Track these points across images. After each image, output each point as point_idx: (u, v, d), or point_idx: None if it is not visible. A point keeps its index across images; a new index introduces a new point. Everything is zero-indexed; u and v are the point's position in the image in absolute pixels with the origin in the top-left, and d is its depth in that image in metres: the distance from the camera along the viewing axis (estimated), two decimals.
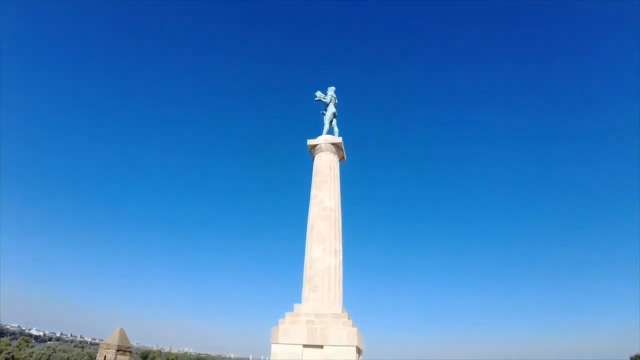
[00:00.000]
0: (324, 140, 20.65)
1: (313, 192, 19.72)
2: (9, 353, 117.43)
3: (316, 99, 21.82)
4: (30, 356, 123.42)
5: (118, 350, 27.18)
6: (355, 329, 15.96)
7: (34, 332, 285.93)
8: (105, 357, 26.97)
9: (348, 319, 16.60)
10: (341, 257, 18.57)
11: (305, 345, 15.90)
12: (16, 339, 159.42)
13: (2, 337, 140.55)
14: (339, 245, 18.63)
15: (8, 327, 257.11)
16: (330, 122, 21.43)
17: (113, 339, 27.54)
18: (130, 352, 28.28)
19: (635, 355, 46.57)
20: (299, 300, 17.94)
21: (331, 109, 21.52)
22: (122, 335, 28.22)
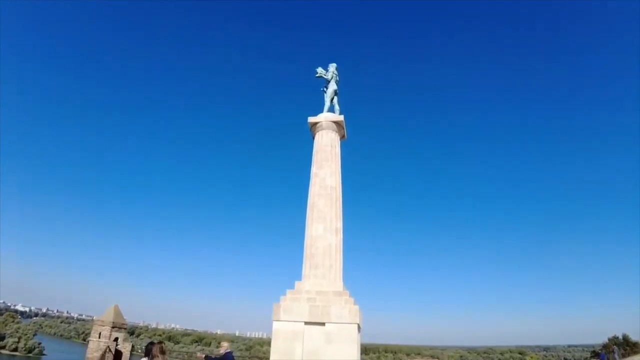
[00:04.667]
0: (324, 118, 20.33)
1: (313, 170, 19.53)
2: None
3: (317, 75, 21.34)
4: (17, 331, 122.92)
5: (113, 327, 27.08)
6: (356, 307, 16.11)
7: (19, 308, 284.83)
8: (100, 334, 26.87)
9: (349, 297, 16.72)
10: (342, 236, 18.58)
11: (306, 323, 16.01)
12: (1, 315, 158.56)
13: None
14: (339, 224, 18.62)
15: None
16: (332, 100, 21.04)
17: (107, 316, 27.39)
18: (125, 328, 28.26)
19: (613, 337, 48.43)
20: (298, 279, 17.98)
21: (332, 86, 21.10)
22: (117, 312, 28.11)
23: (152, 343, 9.54)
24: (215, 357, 10.23)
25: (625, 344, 46.16)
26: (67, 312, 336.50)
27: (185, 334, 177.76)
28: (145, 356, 9.11)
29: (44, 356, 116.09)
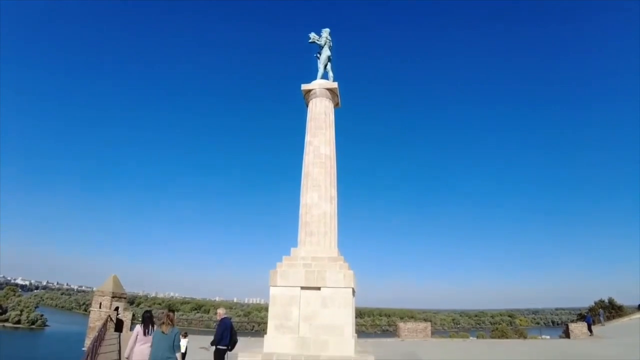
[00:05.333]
0: (318, 85, 20.00)
1: (307, 138, 19.40)
2: None
3: (310, 40, 20.82)
4: (19, 304, 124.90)
5: (113, 297, 27.66)
6: (351, 272, 16.45)
7: (19, 281, 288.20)
8: (100, 304, 27.42)
9: (344, 262, 17.05)
10: (336, 204, 18.72)
11: (302, 288, 16.37)
12: (2, 288, 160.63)
13: None
14: (334, 192, 18.72)
15: None
16: (325, 66, 20.63)
17: (107, 286, 27.89)
18: (125, 298, 28.83)
19: (600, 301, 49.85)
20: (294, 246, 18.22)
21: (326, 52, 20.64)
22: (116, 282, 28.59)
23: (148, 311, 9.68)
24: (220, 343, 10.35)
25: (611, 307, 47.65)
26: (67, 284, 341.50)
27: (185, 302, 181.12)
28: (141, 323, 9.25)
29: (47, 327, 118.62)
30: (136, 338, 8.81)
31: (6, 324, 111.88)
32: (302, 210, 18.41)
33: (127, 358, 8.92)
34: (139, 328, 9.10)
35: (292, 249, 17.87)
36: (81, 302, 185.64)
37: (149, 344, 8.46)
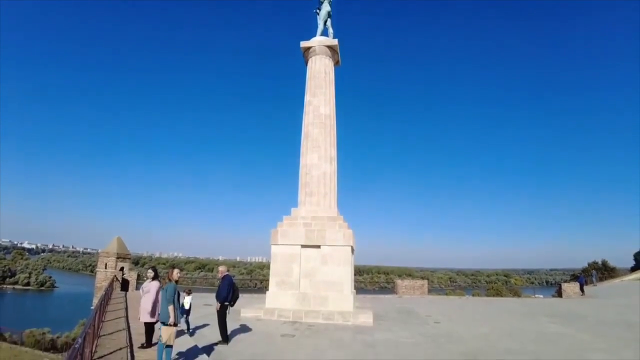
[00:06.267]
0: (318, 42, 19.42)
1: (307, 98, 19.10)
2: (5, 266, 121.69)
3: None
4: (27, 267, 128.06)
5: (118, 258, 28.26)
6: (350, 231, 16.71)
7: (26, 245, 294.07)
8: (106, 264, 28.07)
9: (343, 221, 17.30)
10: (336, 164, 18.72)
11: (303, 246, 16.70)
12: (9, 253, 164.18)
13: None
14: (334, 153, 18.66)
15: (0, 242, 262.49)
16: (325, 23, 19.94)
17: (112, 247, 28.43)
18: (129, 258, 29.46)
19: (593, 262, 50.83)
20: (294, 206, 18.41)
21: (325, 7, 19.87)
22: (120, 243, 29.13)
23: (154, 267, 10.08)
24: (223, 299, 10.61)
25: (604, 269, 48.76)
26: (73, 247, 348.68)
27: (188, 261, 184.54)
28: (154, 279, 9.58)
29: (55, 289, 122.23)
30: (142, 291, 9.42)
31: (16, 287, 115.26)
32: (302, 171, 18.44)
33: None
34: (145, 282, 9.74)
35: (293, 209, 18.07)
36: (87, 264, 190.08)
37: (150, 294, 9.14)
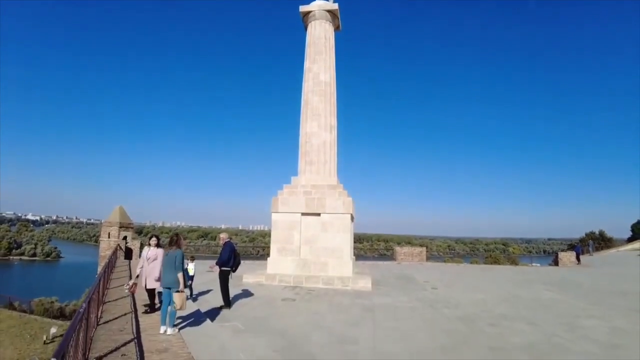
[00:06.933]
0: (318, 6, 18.78)
1: (307, 64, 18.67)
2: (10, 238, 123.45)
3: None
4: (32, 239, 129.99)
5: (120, 227, 28.63)
6: (349, 199, 16.77)
7: (30, 217, 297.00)
8: (109, 234, 28.46)
9: (343, 189, 17.33)
10: (336, 133, 18.55)
11: (303, 214, 16.82)
12: (14, 225, 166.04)
13: (0, 224, 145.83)
14: (334, 121, 18.45)
15: (4, 214, 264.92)
16: None
17: (114, 217, 28.73)
18: (132, 227, 29.82)
19: (590, 232, 51.32)
20: (295, 175, 18.40)
21: None
22: (122, 212, 29.42)
23: (155, 236, 10.08)
24: (225, 264, 10.70)
25: (601, 239, 49.37)
26: (77, 218, 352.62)
27: (191, 230, 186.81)
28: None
29: (61, 259, 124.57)
30: (145, 258, 9.42)
31: (23, 258, 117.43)
32: (302, 139, 18.30)
33: (137, 276, 9.75)
34: (146, 249, 9.71)
35: (293, 178, 18.08)
36: (91, 234, 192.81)
37: (157, 261, 9.08)
